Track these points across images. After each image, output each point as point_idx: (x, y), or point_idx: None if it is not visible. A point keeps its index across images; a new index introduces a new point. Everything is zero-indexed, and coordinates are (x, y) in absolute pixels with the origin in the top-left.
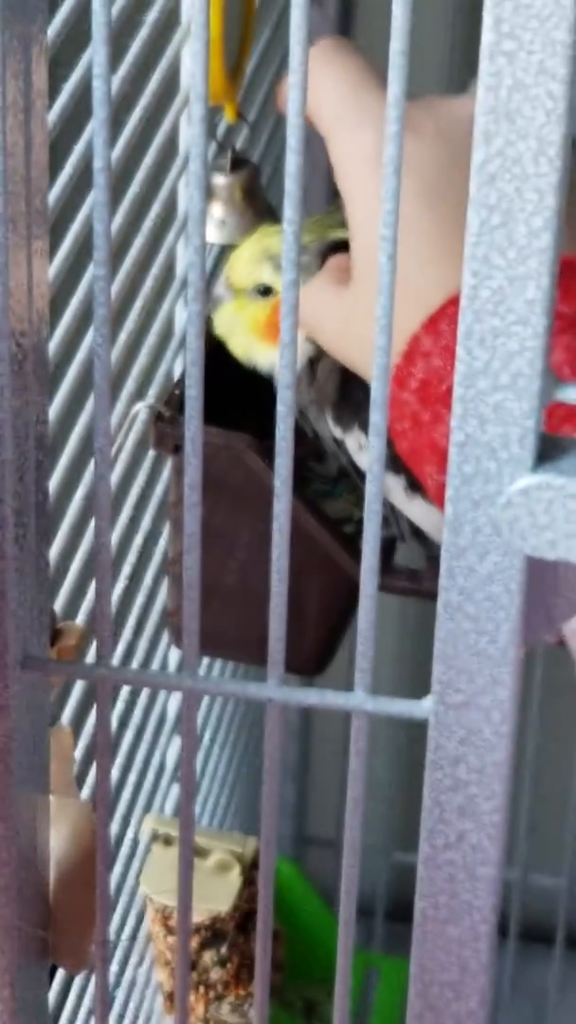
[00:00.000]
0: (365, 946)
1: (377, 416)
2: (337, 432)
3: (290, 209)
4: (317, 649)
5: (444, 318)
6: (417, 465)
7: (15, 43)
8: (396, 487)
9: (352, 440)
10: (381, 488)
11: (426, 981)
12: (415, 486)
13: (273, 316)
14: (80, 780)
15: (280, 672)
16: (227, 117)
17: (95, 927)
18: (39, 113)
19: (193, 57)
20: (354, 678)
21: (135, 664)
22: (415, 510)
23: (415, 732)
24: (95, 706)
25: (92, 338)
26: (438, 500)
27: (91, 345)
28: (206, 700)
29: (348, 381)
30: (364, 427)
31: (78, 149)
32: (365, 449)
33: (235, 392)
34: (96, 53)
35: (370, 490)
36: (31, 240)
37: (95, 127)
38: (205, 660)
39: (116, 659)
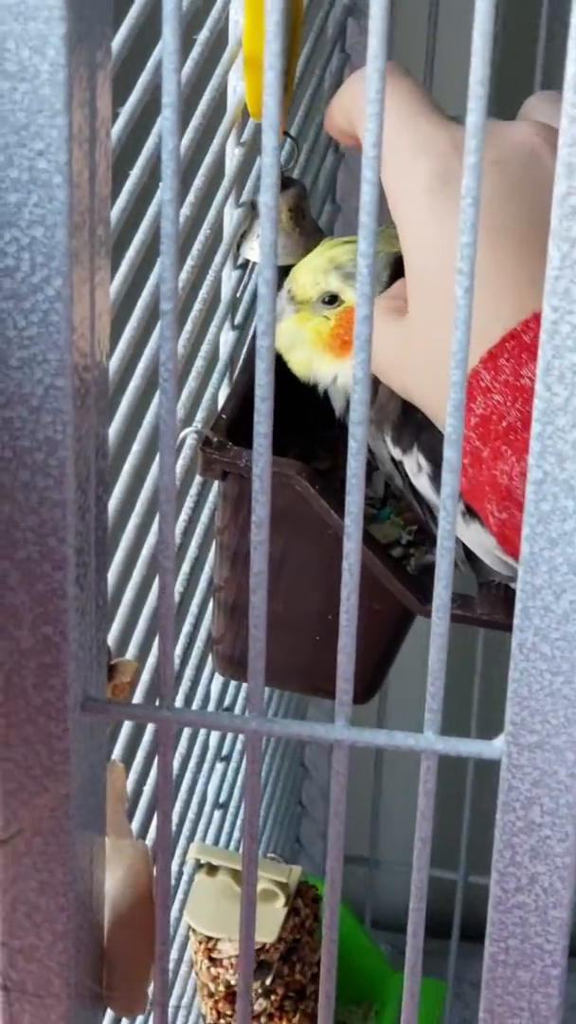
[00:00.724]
0: (398, 966)
1: (451, 452)
2: (396, 452)
3: (364, 242)
4: (365, 677)
5: (503, 352)
6: (477, 501)
7: (81, 71)
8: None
9: (411, 461)
10: (454, 524)
11: None
12: (472, 513)
13: (339, 327)
14: (128, 817)
15: (348, 713)
16: None
17: (151, 971)
18: (103, 142)
19: (266, 88)
20: (423, 717)
21: (180, 693)
22: (470, 535)
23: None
24: (157, 749)
25: (160, 375)
26: (500, 537)
27: (159, 382)
28: None
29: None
30: (423, 448)
31: (133, 174)
32: (424, 471)
33: (278, 410)
34: (166, 82)
35: (443, 527)
36: (94, 272)
37: (165, 157)
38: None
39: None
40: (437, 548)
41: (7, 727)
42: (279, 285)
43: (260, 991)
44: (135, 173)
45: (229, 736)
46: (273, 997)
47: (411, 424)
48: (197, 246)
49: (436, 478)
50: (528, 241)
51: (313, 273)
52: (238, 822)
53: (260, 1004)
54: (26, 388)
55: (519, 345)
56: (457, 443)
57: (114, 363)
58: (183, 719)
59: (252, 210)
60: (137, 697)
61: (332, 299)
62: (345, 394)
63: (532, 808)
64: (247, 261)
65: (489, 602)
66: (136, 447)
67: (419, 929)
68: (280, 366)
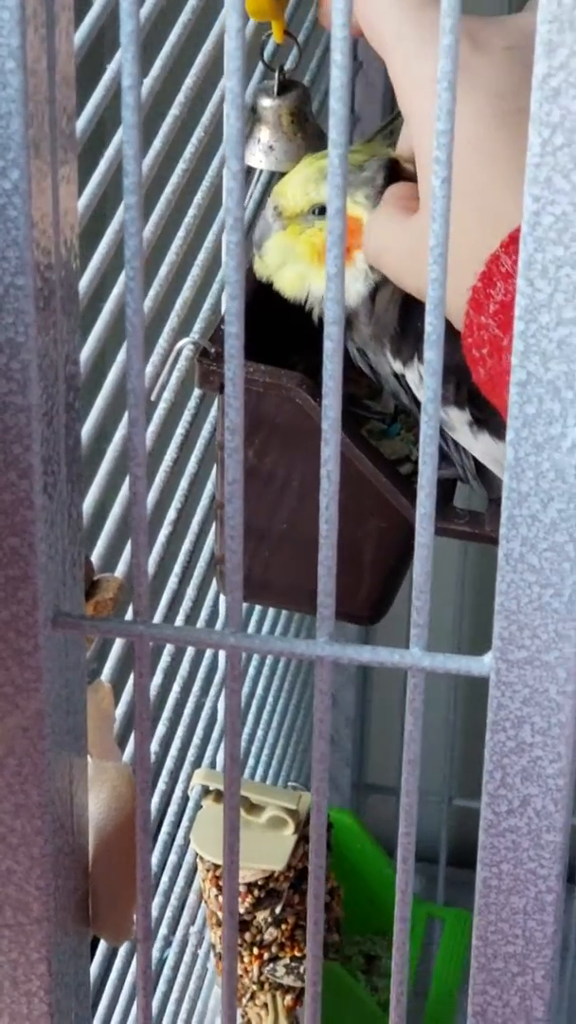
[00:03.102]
0: (427, 896)
1: (431, 353)
2: (397, 366)
3: (335, 131)
4: (373, 597)
5: None
6: (495, 394)
7: None
8: (461, 423)
9: (413, 373)
10: (437, 429)
11: (489, 954)
12: (481, 422)
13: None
14: (123, 741)
15: (330, 628)
16: (274, 36)
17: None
18: (64, 27)
19: None
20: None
21: (181, 613)
22: (480, 447)
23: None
24: (134, 661)
25: (125, 272)
26: None
27: (124, 279)
28: None
29: (409, 312)
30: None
31: (110, 68)
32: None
33: (286, 329)
34: None
35: (425, 431)
36: (56, 166)
37: (124, 42)
38: (256, 608)
39: (160, 608)
40: (419, 455)
41: None
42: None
43: (270, 920)
44: (111, 67)
45: (243, 656)
46: (284, 926)
47: (410, 335)
48: (190, 148)
49: None
50: None
51: (303, 185)
52: (251, 748)
53: (270, 934)
54: None
55: (520, 238)
56: (437, 343)
57: (94, 266)
58: (158, 635)
59: (252, 114)
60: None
61: (325, 211)
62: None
63: (523, 727)
64: (248, 168)
65: (499, 518)
66: (121, 355)
67: (409, 855)
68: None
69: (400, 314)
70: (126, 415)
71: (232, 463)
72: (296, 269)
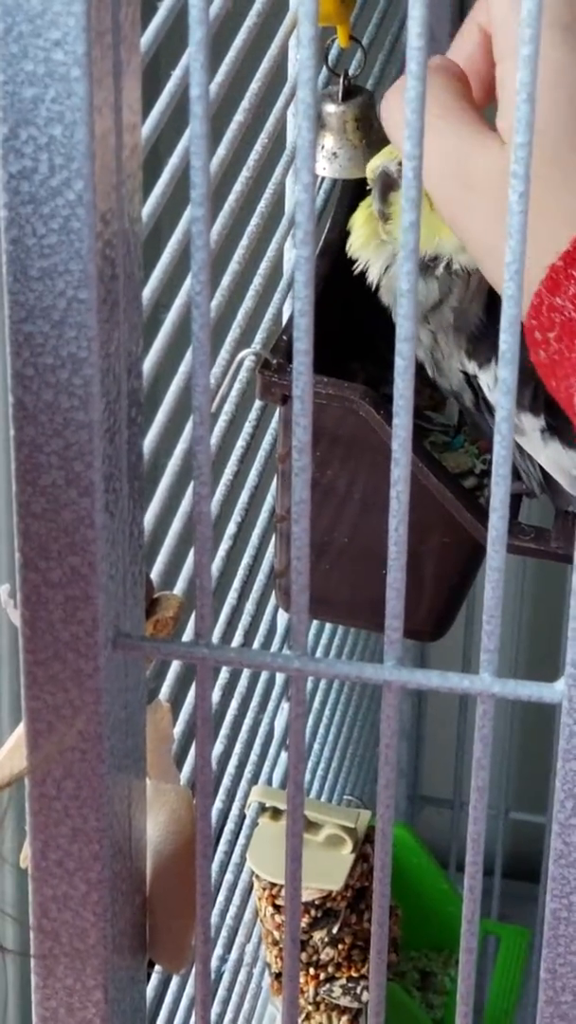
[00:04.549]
0: (483, 911)
1: (506, 372)
2: (471, 367)
3: (410, 143)
4: (435, 613)
5: None
6: (553, 377)
7: None
8: (532, 429)
9: (487, 375)
10: (511, 450)
11: (557, 987)
12: (553, 429)
13: None
14: (180, 760)
15: (398, 652)
16: (339, 41)
17: (197, 922)
18: (128, 35)
19: None
20: (474, 657)
21: (239, 630)
22: (548, 454)
23: None
24: (195, 684)
25: (190, 285)
26: None
27: (189, 292)
28: None
29: (494, 307)
30: None
31: (175, 75)
32: None
33: (346, 335)
34: None
35: (498, 452)
36: (122, 177)
37: (193, 50)
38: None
39: (219, 625)
40: (492, 476)
41: (35, 664)
42: (350, 199)
43: (327, 940)
44: (176, 74)
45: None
46: (340, 946)
47: (492, 335)
48: (254, 156)
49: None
50: None
51: None
52: (309, 764)
53: (327, 954)
54: (47, 301)
55: None
56: (512, 361)
57: (156, 277)
58: (221, 657)
59: (316, 119)
60: (189, 635)
61: None
62: (396, 289)
63: None
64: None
65: (566, 534)
66: (183, 367)
67: (476, 883)
68: (344, 290)
69: (486, 309)
70: (187, 428)
71: (299, 482)
72: (426, 225)
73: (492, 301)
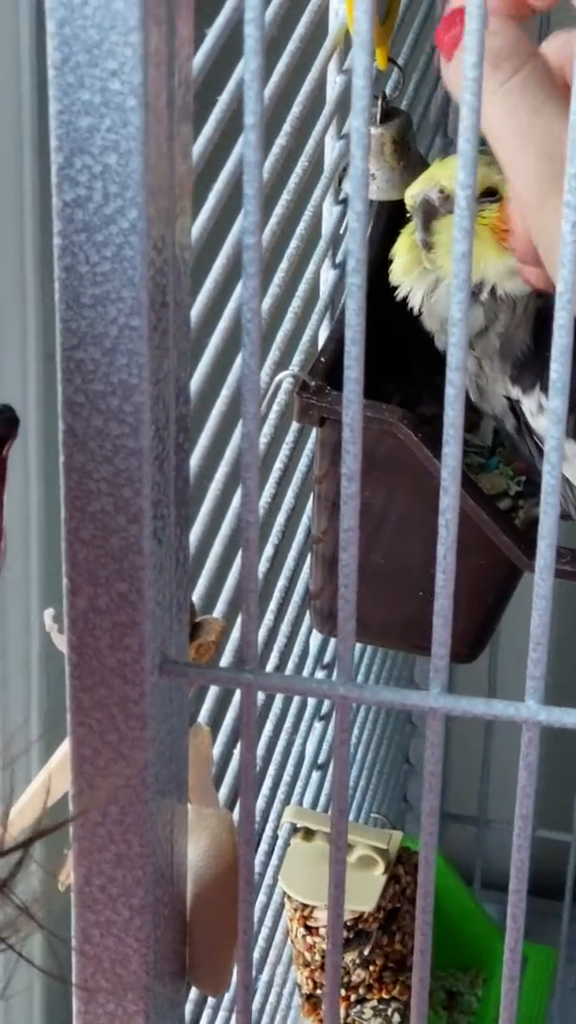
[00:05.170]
0: (505, 925)
1: (556, 401)
2: (515, 392)
3: (464, 172)
4: (470, 635)
5: None
6: None
7: None
8: (573, 455)
9: (531, 401)
10: (559, 479)
11: None
12: None
13: (501, 220)
14: (216, 782)
15: (444, 680)
16: (377, 63)
17: (237, 946)
18: (183, 64)
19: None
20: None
21: (275, 652)
22: None
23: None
24: (241, 714)
25: (241, 313)
26: None
27: (241, 319)
28: None
29: (541, 333)
30: (547, 388)
31: (222, 100)
32: (546, 411)
33: (380, 356)
34: (249, 7)
35: (548, 482)
36: (174, 203)
37: (248, 79)
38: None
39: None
40: (541, 504)
41: (80, 690)
42: (386, 221)
43: (358, 962)
44: (223, 99)
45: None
46: (372, 968)
47: (538, 360)
48: (294, 179)
49: None
50: None
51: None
52: None
53: (358, 975)
54: (99, 328)
55: None
56: (563, 391)
57: (198, 304)
58: (267, 684)
59: None
60: (227, 656)
61: (492, 193)
62: (440, 316)
63: None
64: (348, 196)
65: None
66: (224, 392)
67: (519, 912)
68: (382, 309)
69: (533, 335)
70: (228, 451)
71: (349, 509)
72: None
73: (538, 326)
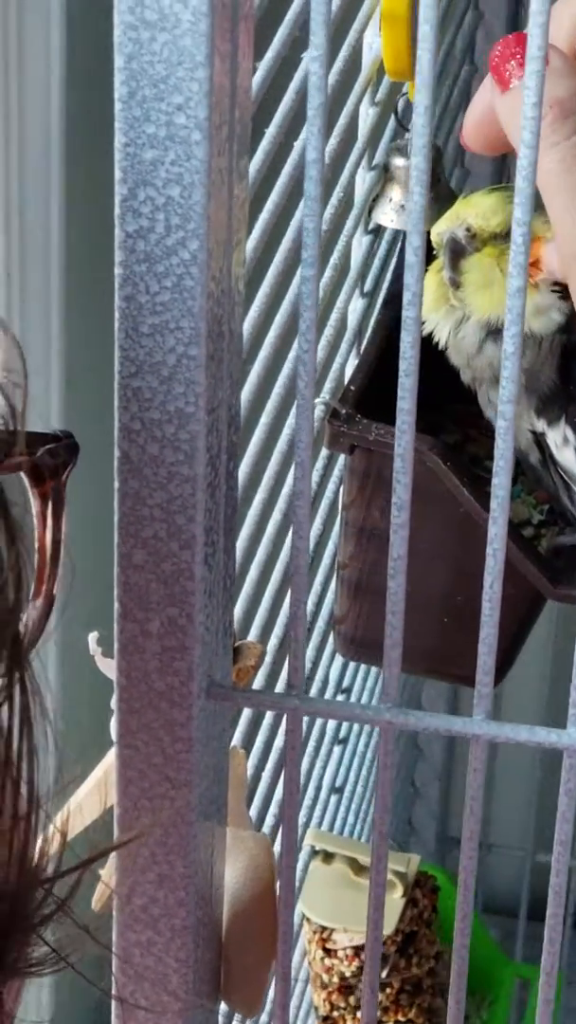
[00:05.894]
0: (504, 949)
1: None
2: (540, 424)
3: (520, 210)
4: (495, 662)
5: None
6: None
7: (224, 21)
8: None
9: (556, 434)
10: None
11: None
12: None
13: (538, 251)
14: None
15: (487, 706)
16: (409, 95)
17: (271, 968)
18: (242, 98)
19: (421, 42)
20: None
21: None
22: None
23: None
24: (275, 737)
25: (298, 345)
26: None
27: (297, 351)
28: None
29: (567, 368)
30: (572, 420)
31: (269, 132)
32: (572, 444)
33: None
34: (315, 35)
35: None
36: (231, 234)
37: (311, 115)
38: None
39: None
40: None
41: (128, 712)
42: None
43: None
44: (270, 132)
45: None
46: (389, 991)
47: (564, 394)
48: (328, 211)
49: None
50: None
51: (502, 206)
52: (354, 806)
53: None
54: (157, 357)
55: None
56: None
57: (244, 331)
58: (313, 709)
59: (385, 173)
60: (258, 680)
61: None
62: (466, 352)
63: None
64: (378, 226)
65: None
66: (264, 419)
67: (556, 935)
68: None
69: (559, 370)
70: (265, 477)
71: (398, 539)
72: (500, 289)
73: (564, 362)
